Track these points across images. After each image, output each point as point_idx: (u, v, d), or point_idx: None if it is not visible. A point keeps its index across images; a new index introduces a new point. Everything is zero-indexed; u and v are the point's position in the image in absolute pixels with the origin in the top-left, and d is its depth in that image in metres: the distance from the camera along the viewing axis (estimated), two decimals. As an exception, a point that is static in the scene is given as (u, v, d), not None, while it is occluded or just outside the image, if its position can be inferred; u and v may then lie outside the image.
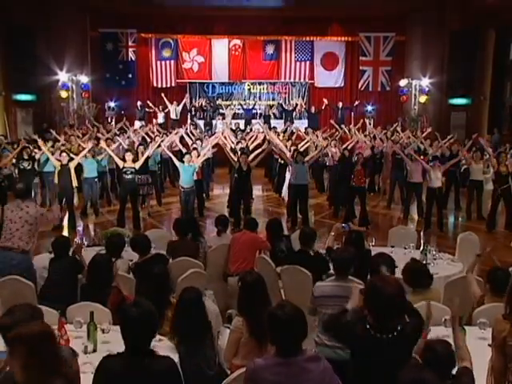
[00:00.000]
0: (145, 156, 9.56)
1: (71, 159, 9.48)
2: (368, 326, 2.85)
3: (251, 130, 15.11)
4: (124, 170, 9.29)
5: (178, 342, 3.48)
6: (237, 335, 3.50)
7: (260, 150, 10.62)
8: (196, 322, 3.50)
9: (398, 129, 14.26)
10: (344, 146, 11.28)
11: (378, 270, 4.03)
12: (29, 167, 10.28)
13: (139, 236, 5.58)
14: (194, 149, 10.08)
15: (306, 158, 9.89)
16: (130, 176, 9.26)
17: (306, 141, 11.91)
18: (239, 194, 9.68)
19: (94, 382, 2.71)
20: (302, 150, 10.85)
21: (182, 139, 11.97)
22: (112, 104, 18.54)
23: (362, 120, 16.28)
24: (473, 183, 10.35)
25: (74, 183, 9.57)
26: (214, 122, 17.67)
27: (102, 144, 10.54)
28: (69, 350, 2.79)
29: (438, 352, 2.69)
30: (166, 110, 17.98)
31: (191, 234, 5.79)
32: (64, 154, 9.45)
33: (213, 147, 10.94)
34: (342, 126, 14.41)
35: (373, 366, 2.82)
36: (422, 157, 10.21)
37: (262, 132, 13.10)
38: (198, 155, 9.64)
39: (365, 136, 13.00)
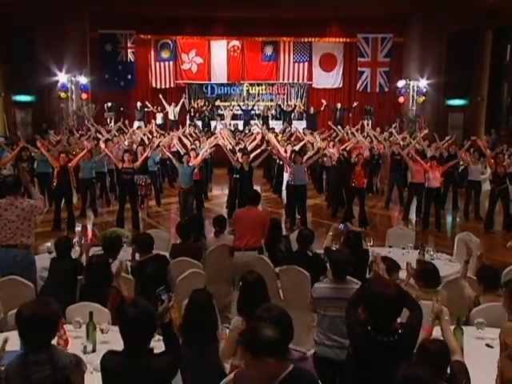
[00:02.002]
0: (144, 156, 9.59)
1: (70, 160, 9.51)
2: (369, 328, 2.88)
3: (249, 131, 15.13)
4: (123, 170, 9.31)
5: (182, 342, 3.48)
6: (236, 334, 3.51)
7: (259, 150, 10.63)
8: (204, 324, 3.48)
9: (393, 131, 14.22)
10: (343, 147, 11.31)
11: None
12: (27, 168, 10.30)
13: (142, 235, 5.58)
14: (193, 149, 10.12)
15: (304, 159, 9.90)
16: (128, 176, 9.28)
17: (302, 142, 11.93)
18: (240, 194, 9.69)
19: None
20: (297, 149, 10.87)
21: (180, 140, 11.99)
22: (111, 105, 18.53)
23: (360, 122, 16.28)
24: (471, 184, 10.37)
25: (73, 184, 9.59)
26: (212, 123, 17.70)
27: (101, 145, 10.54)
28: (71, 356, 2.69)
29: (432, 351, 2.70)
30: (165, 111, 18.00)
31: (194, 236, 5.81)
32: (63, 155, 9.47)
33: (211, 148, 10.95)
34: (339, 127, 14.41)
35: (373, 368, 2.84)
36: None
37: (260, 133, 13.10)
38: (197, 156, 9.68)
39: (364, 137, 13.00)
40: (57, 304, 2.71)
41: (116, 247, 5.03)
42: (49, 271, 4.82)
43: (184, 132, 13.37)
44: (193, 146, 10.86)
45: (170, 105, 18.05)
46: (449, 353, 2.73)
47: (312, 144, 11.84)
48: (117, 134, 13.28)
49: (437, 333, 3.64)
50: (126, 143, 11.52)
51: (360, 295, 3.25)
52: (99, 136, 12.83)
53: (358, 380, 2.95)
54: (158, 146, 10.71)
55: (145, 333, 2.71)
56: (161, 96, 18.11)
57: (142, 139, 12.62)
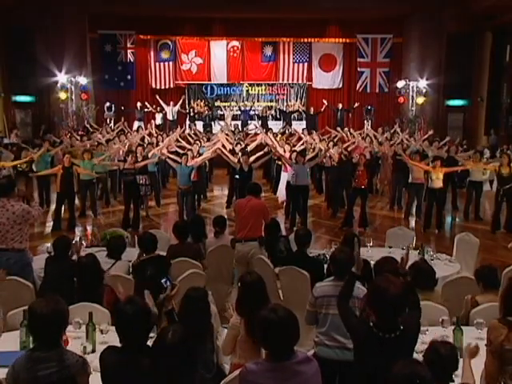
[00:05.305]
0: (147, 161, 9.66)
1: (73, 163, 9.57)
2: (372, 325, 2.88)
3: (247, 133, 15.11)
4: (124, 171, 9.34)
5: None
6: (234, 332, 3.51)
7: (262, 152, 10.62)
8: (199, 322, 3.48)
9: (398, 130, 14.26)
10: (344, 146, 11.30)
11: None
12: (26, 169, 10.33)
13: (146, 234, 5.56)
14: (189, 150, 10.15)
15: (306, 159, 9.88)
16: (130, 178, 9.30)
17: (301, 142, 11.92)
18: (240, 194, 9.67)
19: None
20: (298, 149, 10.87)
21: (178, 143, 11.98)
22: (111, 105, 18.51)
23: (364, 128, 16.23)
24: (472, 184, 10.37)
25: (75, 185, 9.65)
26: (212, 123, 17.69)
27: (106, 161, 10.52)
28: (77, 356, 2.70)
29: (441, 353, 2.69)
30: (164, 111, 17.99)
31: (191, 236, 5.79)
32: (67, 156, 9.50)
33: (213, 152, 10.93)
34: (338, 128, 14.38)
35: (376, 365, 2.83)
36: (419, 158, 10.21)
37: (260, 133, 13.09)
38: (194, 156, 9.70)
39: (363, 138, 12.98)
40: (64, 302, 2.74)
41: (120, 248, 5.04)
42: (45, 270, 4.81)
43: (184, 132, 13.37)
44: (191, 148, 10.85)
45: (168, 105, 18.04)
46: (458, 357, 2.72)
47: (311, 145, 11.82)
48: (115, 135, 13.27)
49: (437, 333, 3.66)
50: (126, 145, 11.55)
51: (348, 288, 3.26)
52: (99, 136, 12.84)
53: (362, 378, 2.94)
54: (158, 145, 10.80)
55: (141, 330, 2.72)
56: (158, 97, 18.08)
57: (142, 139, 12.64)
